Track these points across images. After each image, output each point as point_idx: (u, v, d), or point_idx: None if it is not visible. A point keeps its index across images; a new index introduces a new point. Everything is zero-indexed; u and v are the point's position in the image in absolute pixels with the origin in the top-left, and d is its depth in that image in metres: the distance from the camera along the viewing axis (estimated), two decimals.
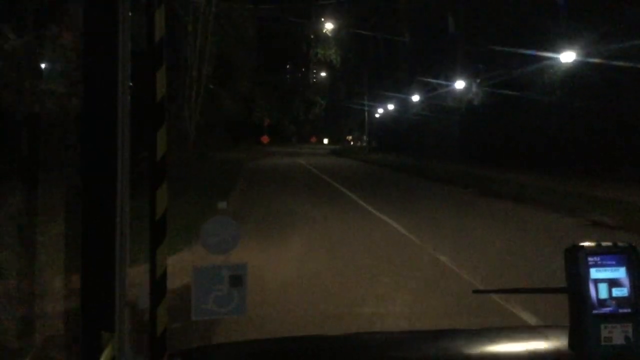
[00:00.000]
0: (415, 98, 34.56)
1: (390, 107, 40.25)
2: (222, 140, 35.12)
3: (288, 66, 73.89)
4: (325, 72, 61.26)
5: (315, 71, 74.27)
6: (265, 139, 37.81)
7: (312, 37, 38.93)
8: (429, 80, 30.45)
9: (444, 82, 28.85)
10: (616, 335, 1.19)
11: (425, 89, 32.14)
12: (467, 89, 27.03)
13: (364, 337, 1.60)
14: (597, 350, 1.19)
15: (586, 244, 1.23)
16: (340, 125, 76.44)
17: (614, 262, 1.22)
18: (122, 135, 1.11)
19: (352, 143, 76.82)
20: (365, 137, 48.39)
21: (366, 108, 45.02)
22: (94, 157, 1.11)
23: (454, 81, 27.50)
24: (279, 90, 61.99)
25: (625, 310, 1.20)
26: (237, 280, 1.29)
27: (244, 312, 1.29)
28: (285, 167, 28.49)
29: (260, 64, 46.48)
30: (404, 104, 37.34)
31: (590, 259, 1.21)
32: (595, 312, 1.20)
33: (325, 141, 78.39)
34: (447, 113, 29.69)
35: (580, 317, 1.21)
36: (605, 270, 1.21)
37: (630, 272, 1.21)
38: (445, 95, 29.78)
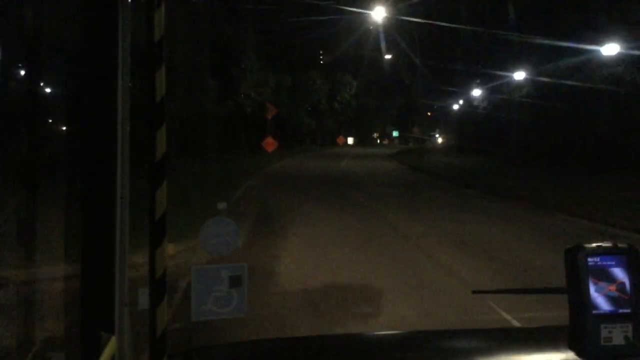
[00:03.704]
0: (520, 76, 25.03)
1: (476, 93, 29.26)
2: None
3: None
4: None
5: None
6: (269, 143, 20.99)
7: None
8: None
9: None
10: (616, 335, 1.19)
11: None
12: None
13: (364, 337, 1.60)
14: (597, 350, 1.19)
15: (586, 244, 1.23)
16: (384, 117, 55.34)
17: (613, 263, 1.22)
18: (122, 135, 1.11)
19: (379, 142, 61.87)
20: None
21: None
22: (94, 157, 1.11)
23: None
24: (289, 58, 39.53)
25: (624, 311, 1.20)
26: (236, 280, 1.29)
27: (244, 312, 1.29)
28: None
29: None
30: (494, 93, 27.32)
31: (590, 259, 1.22)
32: (595, 312, 1.20)
33: (350, 141, 57.99)
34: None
35: (580, 318, 1.21)
36: (605, 271, 1.22)
37: (629, 273, 1.22)
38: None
